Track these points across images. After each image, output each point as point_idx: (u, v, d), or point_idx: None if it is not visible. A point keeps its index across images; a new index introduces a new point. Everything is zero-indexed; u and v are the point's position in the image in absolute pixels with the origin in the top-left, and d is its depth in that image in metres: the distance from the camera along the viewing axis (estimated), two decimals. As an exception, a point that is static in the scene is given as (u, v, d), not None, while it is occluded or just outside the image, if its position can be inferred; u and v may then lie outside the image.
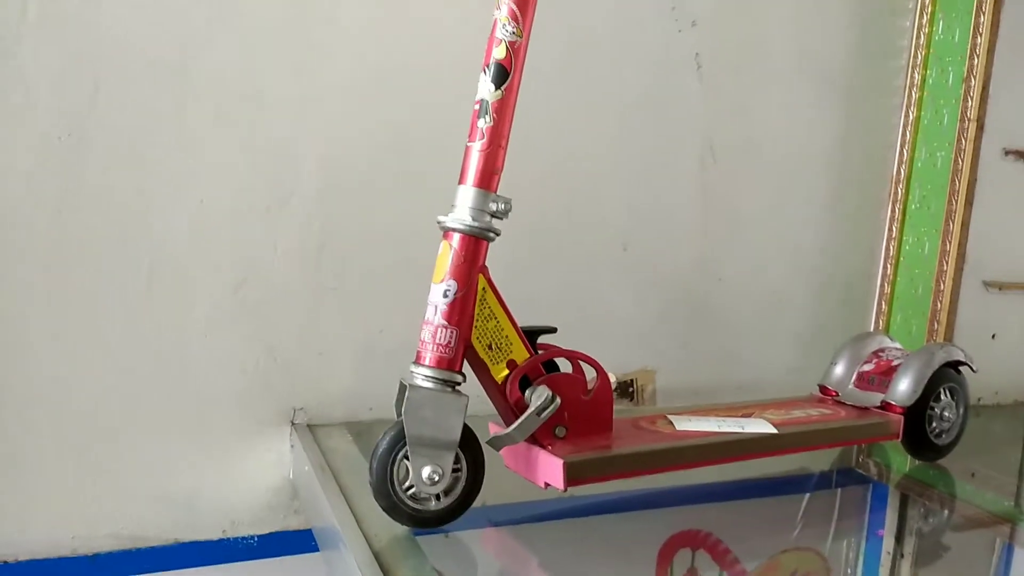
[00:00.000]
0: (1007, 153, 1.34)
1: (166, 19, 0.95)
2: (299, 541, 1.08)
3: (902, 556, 0.87)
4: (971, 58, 1.28)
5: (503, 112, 0.75)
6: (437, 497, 0.75)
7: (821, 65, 1.31)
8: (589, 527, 0.87)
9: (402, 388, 0.75)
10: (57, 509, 0.97)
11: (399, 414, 0.75)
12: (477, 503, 0.78)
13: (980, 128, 1.28)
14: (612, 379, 1.24)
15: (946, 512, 0.99)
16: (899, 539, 0.92)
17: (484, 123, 0.75)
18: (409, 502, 0.74)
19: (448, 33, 1.06)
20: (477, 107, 0.76)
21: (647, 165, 1.21)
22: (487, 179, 0.76)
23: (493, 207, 0.76)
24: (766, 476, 1.01)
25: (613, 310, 1.22)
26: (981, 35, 1.27)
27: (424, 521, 0.75)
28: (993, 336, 1.39)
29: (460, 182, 0.76)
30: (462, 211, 0.75)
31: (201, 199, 0.99)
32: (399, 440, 0.74)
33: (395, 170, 1.06)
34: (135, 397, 0.99)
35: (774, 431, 0.92)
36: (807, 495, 1.02)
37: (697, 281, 1.27)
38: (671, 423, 0.92)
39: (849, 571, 0.83)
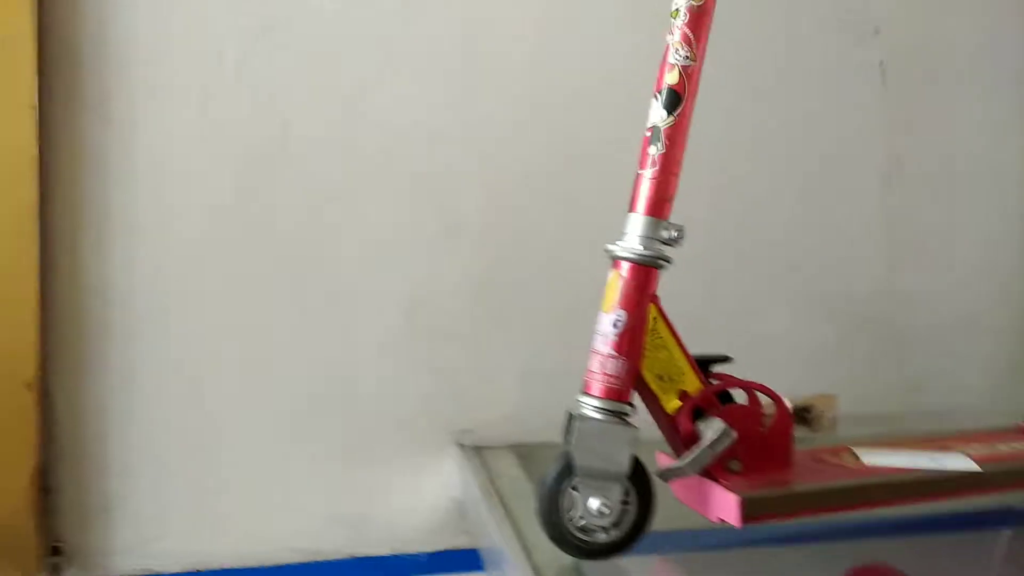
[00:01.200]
0: None
1: (346, 61, 1.00)
2: (467, 560, 1.09)
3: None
4: None
5: (675, 139, 0.74)
6: (605, 529, 0.74)
7: (1017, 67, 1.19)
8: (763, 558, 0.82)
9: (570, 418, 0.75)
10: (244, 525, 1.03)
11: (566, 445, 0.75)
12: (646, 530, 0.76)
13: None
14: (788, 405, 1.18)
15: None
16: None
17: (656, 150, 0.74)
18: (577, 533, 0.74)
19: (618, 58, 1.05)
20: (648, 134, 0.74)
21: (824, 183, 1.14)
22: (659, 207, 0.74)
23: (665, 235, 0.74)
24: (961, 511, 0.93)
25: (789, 335, 1.16)
26: None
27: (591, 553, 0.74)
28: None
29: (631, 210, 0.75)
30: (632, 239, 0.74)
31: (375, 227, 1.03)
32: (567, 471, 0.73)
33: (560, 197, 1.07)
34: (311, 420, 1.04)
35: (977, 469, 0.84)
36: (1009, 531, 0.93)
37: (880, 303, 1.19)
38: (856, 456, 0.86)
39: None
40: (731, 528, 0.74)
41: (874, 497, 0.81)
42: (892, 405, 1.22)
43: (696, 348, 0.78)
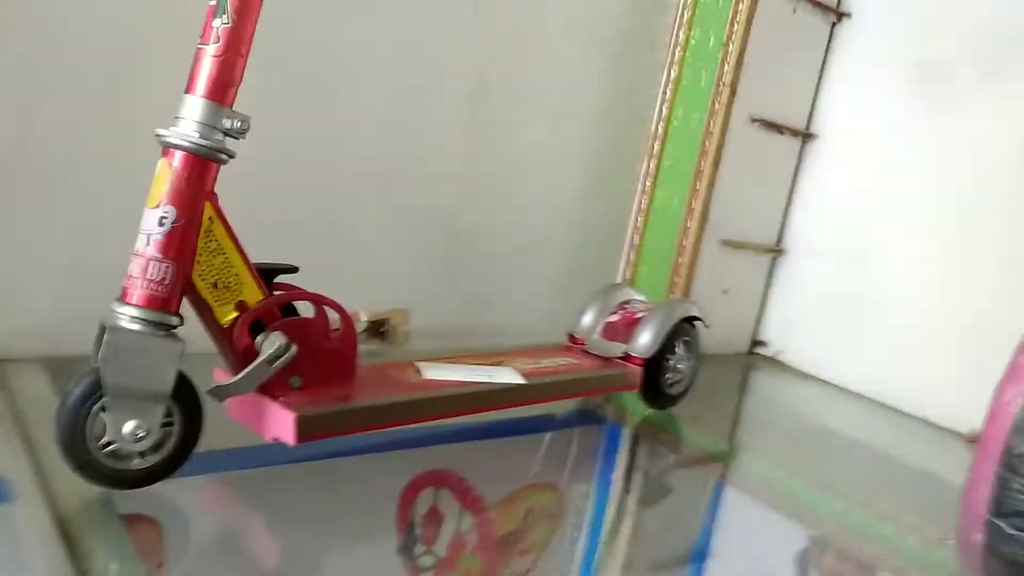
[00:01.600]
0: (753, 120, 1.41)
1: None
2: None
3: (628, 492, 0.90)
4: (732, 24, 1.33)
5: (246, 12, 0.64)
6: (142, 454, 0.65)
7: (591, 14, 1.29)
8: (326, 471, 0.80)
9: (102, 329, 0.63)
10: None
11: (95, 360, 0.64)
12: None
13: (733, 93, 1.34)
14: (363, 318, 1.17)
15: (672, 454, 1.05)
16: (628, 477, 0.95)
17: (220, 22, 0.64)
18: (106, 461, 0.64)
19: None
20: (214, 3, 0.64)
21: (414, 97, 1.13)
22: (221, 91, 0.64)
23: (227, 124, 0.65)
24: (511, 418, 1.00)
25: (370, 247, 1.14)
26: (742, 2, 1.32)
27: (124, 482, 0.65)
28: (725, 292, 1.49)
29: (187, 91, 0.64)
30: (188, 125, 0.64)
31: None
32: (95, 389, 0.62)
33: (114, 70, 0.90)
34: None
35: (523, 381, 0.91)
36: (548, 435, 1.03)
37: (459, 222, 1.23)
38: (419, 371, 0.87)
39: (580, 505, 0.84)
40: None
41: (432, 410, 0.83)
42: (463, 320, 1.28)
43: (277, 257, 0.72)
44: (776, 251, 1.56)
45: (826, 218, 1.52)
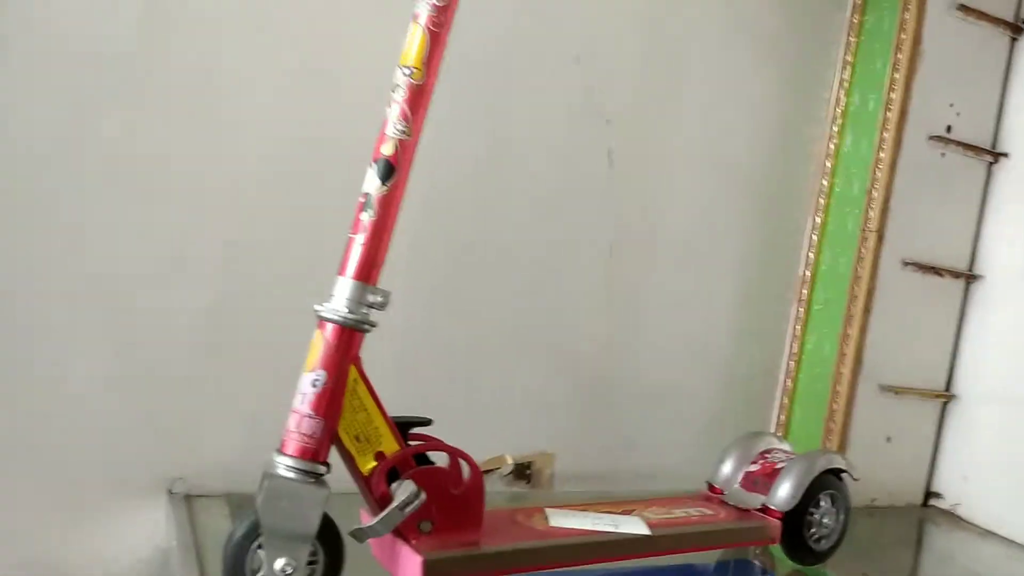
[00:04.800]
0: (906, 264, 1.39)
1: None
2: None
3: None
4: (874, 171, 1.34)
5: (388, 207, 0.76)
6: (290, 588, 0.74)
7: (733, 165, 1.35)
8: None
9: (262, 477, 0.74)
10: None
11: (256, 503, 0.74)
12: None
13: (880, 238, 1.33)
14: (509, 461, 1.24)
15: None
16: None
17: (368, 216, 0.76)
18: (261, 592, 0.73)
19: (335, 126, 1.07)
20: (362, 200, 0.77)
21: (553, 251, 1.23)
22: (367, 271, 0.76)
23: (371, 299, 0.76)
24: (658, 566, 1.01)
25: (514, 393, 1.22)
26: (884, 151, 1.33)
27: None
28: (888, 439, 1.43)
29: (340, 273, 0.77)
30: (339, 301, 0.76)
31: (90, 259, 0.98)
32: (255, 529, 0.73)
33: (294, 254, 1.07)
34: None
35: (648, 532, 0.93)
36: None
37: (602, 368, 1.28)
38: (546, 518, 0.92)
39: None
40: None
41: (556, 558, 0.87)
42: (608, 463, 1.31)
43: (428, 401, 0.81)
44: (945, 396, 1.48)
45: (999, 361, 1.43)
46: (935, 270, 1.42)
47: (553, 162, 1.21)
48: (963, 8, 1.37)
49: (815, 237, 1.40)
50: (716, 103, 1.34)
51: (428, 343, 1.14)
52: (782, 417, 1.42)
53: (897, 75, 1.33)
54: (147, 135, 0.99)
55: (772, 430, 1.42)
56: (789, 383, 1.41)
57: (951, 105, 1.40)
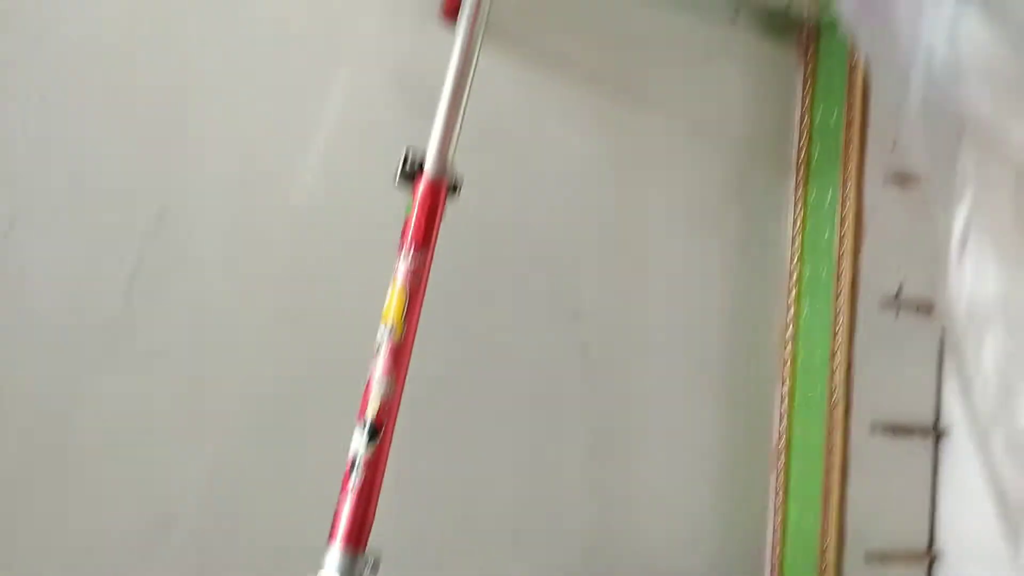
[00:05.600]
0: (875, 428, 1.41)
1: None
2: None
3: None
4: (834, 339, 1.38)
5: (375, 468, 0.76)
6: None
7: (701, 344, 1.38)
8: None
9: None
10: None
11: None
12: None
13: (848, 407, 1.36)
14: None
15: None
16: None
17: (355, 481, 0.75)
18: None
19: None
20: (349, 463, 0.76)
21: (534, 455, 1.22)
22: (356, 536, 0.75)
23: (361, 567, 0.75)
24: None
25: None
26: (840, 318, 1.37)
27: None
28: (880, 605, 1.41)
29: (330, 539, 0.75)
30: (329, 573, 0.74)
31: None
32: None
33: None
34: None
35: None
36: None
37: (590, 557, 1.26)
38: None
39: None
40: None
41: None
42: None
43: None
44: (929, 556, 1.48)
45: (976, 517, 1.44)
46: (904, 430, 1.44)
47: (531, 360, 1.23)
48: (898, 177, 1.45)
49: (785, 406, 1.43)
50: (679, 287, 1.37)
51: (416, 546, 1.11)
52: (773, 593, 1.40)
53: (844, 246, 1.39)
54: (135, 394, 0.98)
55: (764, 607, 1.40)
56: (776, 558, 1.40)
57: (899, 268, 1.46)
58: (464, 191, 0.88)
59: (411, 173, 0.85)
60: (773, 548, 1.40)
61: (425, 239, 0.82)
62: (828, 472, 1.35)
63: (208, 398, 1.02)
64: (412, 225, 0.83)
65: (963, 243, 0.41)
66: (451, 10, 1.14)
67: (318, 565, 0.75)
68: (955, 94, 0.36)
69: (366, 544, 0.75)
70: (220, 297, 1.03)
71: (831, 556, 1.34)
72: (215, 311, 1.02)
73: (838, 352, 1.37)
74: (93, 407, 0.96)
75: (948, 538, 1.48)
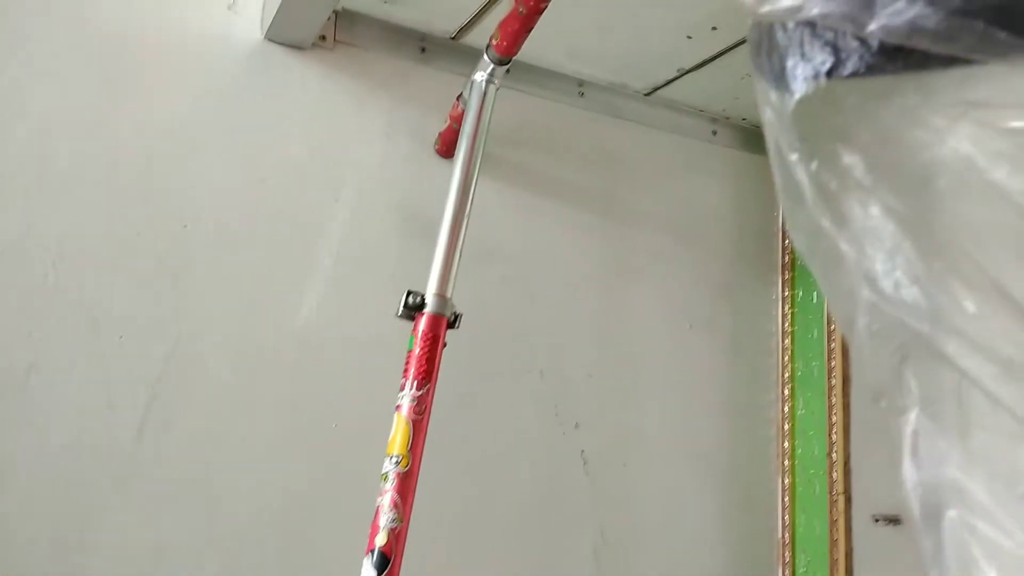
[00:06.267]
0: (876, 520, 1.44)
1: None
2: None
3: None
4: (830, 434, 1.42)
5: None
6: None
7: (699, 444, 1.42)
8: None
9: None
10: None
11: None
12: None
13: (848, 499, 1.39)
14: None
15: None
16: None
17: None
18: None
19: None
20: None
21: (542, 563, 1.26)
22: None
23: None
24: None
25: None
26: (835, 414, 1.42)
27: None
28: None
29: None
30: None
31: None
32: None
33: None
34: None
35: None
36: None
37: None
38: None
39: None
40: None
41: None
42: None
43: None
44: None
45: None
46: (903, 519, 1.47)
47: (532, 470, 1.27)
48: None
49: (787, 500, 1.46)
50: (672, 391, 1.42)
51: None
52: None
53: (834, 344, 1.45)
54: (147, 523, 1.03)
55: None
56: (788, 655, 1.41)
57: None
58: (464, 307, 0.95)
59: (412, 310, 0.92)
60: (784, 645, 1.42)
61: (427, 373, 0.88)
62: (833, 566, 1.38)
63: (217, 522, 1.06)
64: (415, 359, 0.89)
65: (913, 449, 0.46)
66: (446, 147, 1.24)
67: None
68: (897, 315, 0.41)
69: None
70: (228, 424, 1.08)
71: (842, 652, 1.36)
72: (224, 438, 1.08)
73: (836, 446, 1.41)
74: (107, 537, 1.00)
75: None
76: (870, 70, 0.38)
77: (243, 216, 1.13)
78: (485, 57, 1.05)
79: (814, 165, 0.42)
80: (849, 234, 0.42)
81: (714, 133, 1.50)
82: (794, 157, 0.42)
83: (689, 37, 1.23)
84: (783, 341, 1.52)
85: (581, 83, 1.40)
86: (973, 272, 0.38)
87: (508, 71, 1.07)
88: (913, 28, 0.35)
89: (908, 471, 0.48)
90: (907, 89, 0.40)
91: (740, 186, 1.53)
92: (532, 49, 1.11)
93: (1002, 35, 0.34)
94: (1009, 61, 0.35)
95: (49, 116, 1.04)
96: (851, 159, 0.42)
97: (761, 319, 1.52)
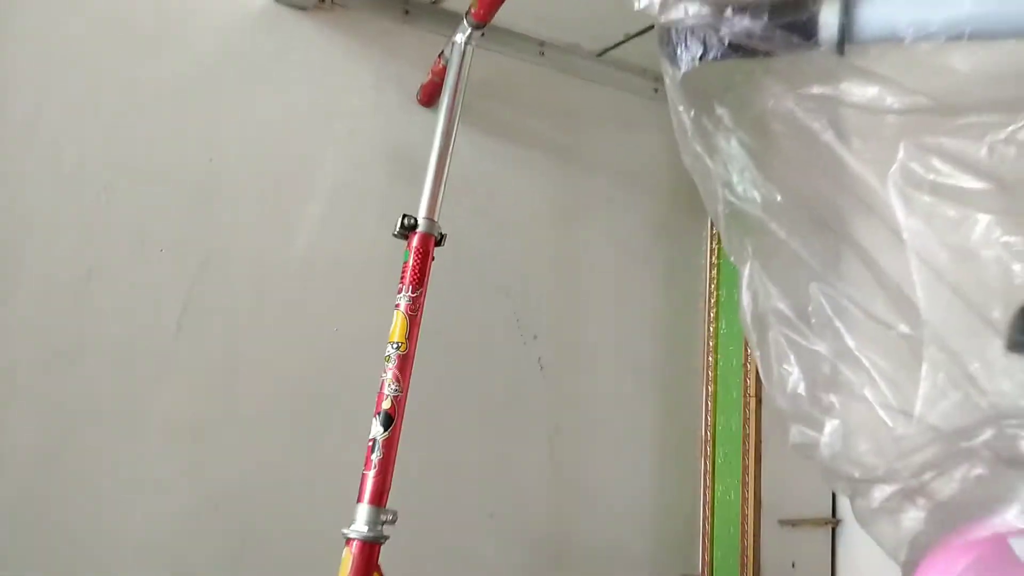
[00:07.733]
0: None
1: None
2: None
3: None
4: (745, 348, 1.69)
5: (390, 448, 1.04)
6: None
7: (638, 356, 1.69)
8: None
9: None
10: None
11: None
12: None
13: (759, 402, 1.67)
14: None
15: None
16: None
17: (376, 456, 1.03)
18: None
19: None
20: (370, 444, 1.04)
21: (504, 440, 1.51)
22: (378, 497, 1.03)
23: (383, 518, 1.02)
24: None
25: (481, 565, 1.47)
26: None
27: None
28: (793, 565, 1.71)
29: (358, 500, 1.03)
30: (359, 524, 1.01)
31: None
32: None
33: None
34: None
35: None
36: None
37: (548, 533, 1.55)
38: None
39: None
40: None
41: None
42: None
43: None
44: (832, 522, 1.79)
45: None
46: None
47: (498, 372, 1.52)
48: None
49: (710, 404, 1.73)
50: (617, 310, 1.68)
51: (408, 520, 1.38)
52: (706, 557, 1.69)
53: (752, 272, 1.71)
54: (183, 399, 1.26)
55: (699, 570, 1.69)
56: (707, 528, 1.70)
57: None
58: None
59: (407, 230, 1.14)
60: (704, 520, 1.70)
61: (420, 280, 1.11)
62: (745, 454, 1.66)
63: (241, 399, 1.29)
64: (410, 269, 1.12)
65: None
66: (427, 98, 1.45)
67: (351, 521, 1.02)
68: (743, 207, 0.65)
69: (386, 502, 1.03)
70: (249, 323, 1.31)
71: (751, 525, 1.65)
72: (245, 333, 1.31)
73: (751, 358, 1.69)
74: (155, 409, 1.23)
75: (847, 505, 1.79)
76: (725, 56, 0.61)
77: (256, 154, 1.34)
78: (464, 22, 1.26)
79: (693, 113, 0.66)
80: (717, 158, 0.66)
81: (655, 91, 1.74)
82: (681, 108, 0.66)
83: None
84: (710, 271, 1.78)
85: (542, 44, 1.62)
86: (786, 181, 0.62)
87: (483, 35, 1.28)
88: (747, 33, 0.58)
89: (746, 303, 0.73)
90: (751, 68, 0.63)
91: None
92: (501, 13, 1.32)
93: (793, 38, 0.58)
94: (800, 53, 0.59)
95: (99, 70, 1.24)
96: (720, 111, 0.65)
97: (692, 252, 1.78)
